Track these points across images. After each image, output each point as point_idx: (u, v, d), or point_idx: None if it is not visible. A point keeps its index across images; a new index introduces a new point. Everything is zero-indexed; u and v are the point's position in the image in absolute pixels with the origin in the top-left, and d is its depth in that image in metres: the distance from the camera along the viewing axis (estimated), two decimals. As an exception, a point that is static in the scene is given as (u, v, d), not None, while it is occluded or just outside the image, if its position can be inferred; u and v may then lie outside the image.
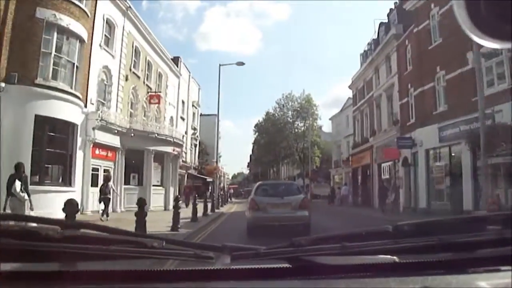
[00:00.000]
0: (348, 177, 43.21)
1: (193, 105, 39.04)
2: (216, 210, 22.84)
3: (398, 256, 1.05)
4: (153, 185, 21.76)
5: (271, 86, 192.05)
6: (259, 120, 56.87)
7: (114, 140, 19.53)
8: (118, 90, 20.87)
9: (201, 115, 53.68)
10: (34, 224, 1.10)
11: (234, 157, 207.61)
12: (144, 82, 24.48)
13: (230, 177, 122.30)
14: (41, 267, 0.99)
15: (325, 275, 1.02)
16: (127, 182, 20.69)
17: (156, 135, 21.19)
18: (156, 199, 21.83)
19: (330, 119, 51.03)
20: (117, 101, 20.79)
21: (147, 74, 25.23)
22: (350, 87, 35.21)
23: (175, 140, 22.98)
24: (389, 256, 1.05)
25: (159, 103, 24.95)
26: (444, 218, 1.47)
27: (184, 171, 35.78)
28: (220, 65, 27.92)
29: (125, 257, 1.06)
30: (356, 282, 0.99)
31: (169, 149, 22.73)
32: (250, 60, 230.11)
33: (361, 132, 31.77)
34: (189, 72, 37.65)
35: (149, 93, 24.88)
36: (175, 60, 32.89)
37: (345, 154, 43.57)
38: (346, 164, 36.43)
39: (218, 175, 31.11)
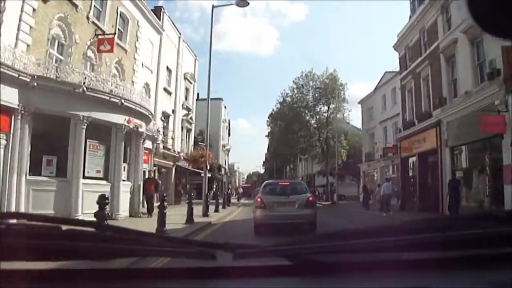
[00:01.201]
0: (384, 173, 34.09)
1: (185, 78, 30.11)
2: (202, 220, 14.15)
3: (402, 253, 1.04)
4: (87, 178, 12.91)
5: (288, 86, 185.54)
6: (273, 110, 47.83)
7: (4, 95, 10.74)
8: (22, 11, 12.09)
9: (200, 99, 45.23)
10: (36, 223, 1.09)
11: (250, 157, 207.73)
12: (88, 18, 15.66)
13: (245, 177, 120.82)
14: (43, 266, 0.97)
15: (329, 272, 1.01)
16: (35, 170, 11.89)
17: (84, 88, 12.17)
18: (93, 202, 12.90)
19: (359, 102, 41.58)
20: (19, 29, 12.01)
21: (95, 8, 16.41)
22: (395, 48, 25.79)
23: (126, 103, 13.95)
24: (392, 253, 1.04)
25: (111, 50, 16.07)
26: (448, 215, 1.63)
27: (171, 163, 26.90)
28: (213, 6, 18.95)
29: (128, 255, 1.06)
30: (359, 280, 0.99)
31: (118, 118, 13.83)
32: (267, 60, 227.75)
33: (415, 106, 22.37)
34: (179, 34, 28.78)
35: (98, 36, 16.09)
36: (157, 11, 24.12)
37: (381, 143, 34.31)
38: (391, 151, 27.02)
39: (209, 165, 22.10)
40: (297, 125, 39.59)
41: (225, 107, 49.85)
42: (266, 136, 64.03)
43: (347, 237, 1.11)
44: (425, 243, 1.02)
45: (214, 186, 43.85)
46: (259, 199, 10.56)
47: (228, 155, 58.36)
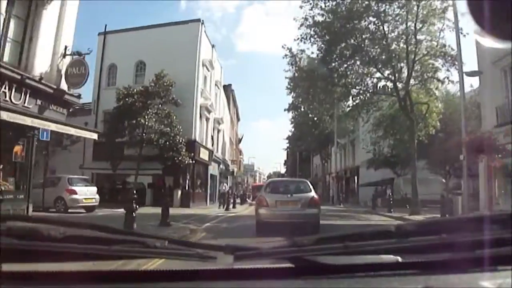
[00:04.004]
0: None
1: None
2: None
3: (401, 256, 1.05)
4: None
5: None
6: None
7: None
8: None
9: (171, 23, 25.36)
10: (36, 224, 1.10)
11: (273, 156, 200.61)
12: None
13: (266, 177, 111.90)
14: (43, 268, 0.98)
15: (328, 274, 1.02)
16: None
17: None
18: None
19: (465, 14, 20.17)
20: None
21: None
22: None
23: None
24: (391, 256, 1.05)
25: None
26: (447, 218, 1.59)
27: None
28: None
29: (128, 257, 1.09)
30: (359, 282, 1.00)
31: None
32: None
33: None
34: None
35: None
36: None
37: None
38: None
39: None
40: (343, 51, 18.60)
41: (213, 46, 29.04)
42: (285, 110, 43.77)
43: (346, 239, 1.09)
44: (423, 246, 1.04)
45: (187, 182, 23.47)
46: (261, 198, 10.57)
47: (224, 134, 37.70)
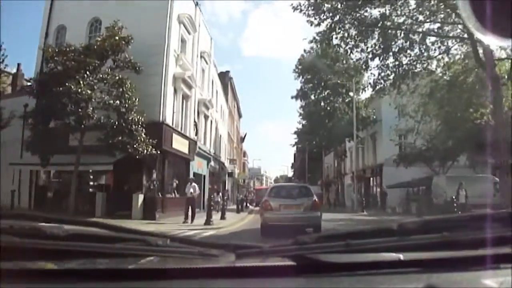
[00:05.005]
0: None
1: None
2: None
3: (403, 254, 1.04)
4: None
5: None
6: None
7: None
8: None
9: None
10: (38, 222, 1.10)
11: (280, 161, 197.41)
12: None
13: (273, 181, 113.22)
14: (45, 266, 0.98)
15: (330, 272, 1.02)
16: None
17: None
18: None
19: None
20: None
21: None
22: None
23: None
24: (393, 254, 1.04)
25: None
26: (449, 216, 1.50)
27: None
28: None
29: (130, 255, 1.07)
30: (361, 280, 0.99)
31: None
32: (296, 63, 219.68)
33: None
34: None
35: None
36: None
37: None
38: None
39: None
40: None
41: (196, 4, 22.01)
42: (292, 97, 36.98)
43: (348, 237, 1.09)
44: (426, 244, 1.04)
45: (154, 182, 16.49)
46: (266, 202, 10.76)
47: (218, 125, 30.82)
